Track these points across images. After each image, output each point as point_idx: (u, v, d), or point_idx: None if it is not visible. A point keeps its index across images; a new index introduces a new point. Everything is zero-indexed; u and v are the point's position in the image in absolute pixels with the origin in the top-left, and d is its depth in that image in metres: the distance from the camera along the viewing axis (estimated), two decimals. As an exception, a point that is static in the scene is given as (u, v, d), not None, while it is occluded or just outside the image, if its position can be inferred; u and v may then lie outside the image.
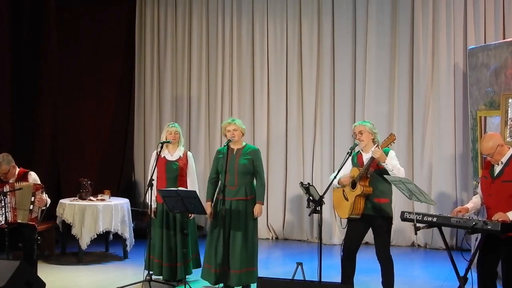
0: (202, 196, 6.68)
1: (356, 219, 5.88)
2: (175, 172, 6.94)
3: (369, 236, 6.13)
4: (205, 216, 9.34)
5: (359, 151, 6.06)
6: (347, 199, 5.93)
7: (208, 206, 6.63)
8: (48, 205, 6.90)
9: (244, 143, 6.68)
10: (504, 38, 8.30)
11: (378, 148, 5.79)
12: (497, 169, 5.38)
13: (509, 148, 5.42)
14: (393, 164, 5.80)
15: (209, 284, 6.61)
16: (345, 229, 6.03)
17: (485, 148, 5.35)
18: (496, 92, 7.35)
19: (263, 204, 6.54)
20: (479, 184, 5.68)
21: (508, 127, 7.00)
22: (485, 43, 8.42)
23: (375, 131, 6.03)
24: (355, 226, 5.95)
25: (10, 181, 6.71)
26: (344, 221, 6.03)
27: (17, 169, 6.81)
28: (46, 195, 6.85)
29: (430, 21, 8.99)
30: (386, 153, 5.85)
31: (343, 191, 6.00)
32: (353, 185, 5.88)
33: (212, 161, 6.87)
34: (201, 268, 6.98)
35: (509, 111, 7.02)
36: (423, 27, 9.01)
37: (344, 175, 5.97)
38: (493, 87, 7.41)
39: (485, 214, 5.53)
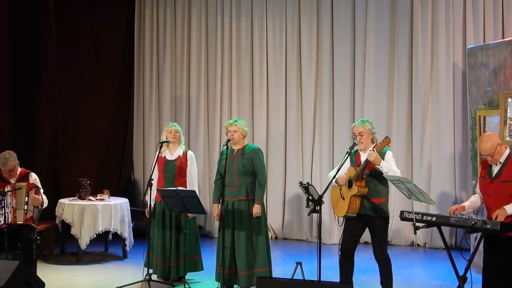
0: (202, 196, 6.68)
1: (353, 217, 5.89)
2: (172, 171, 6.90)
3: (369, 236, 6.13)
4: (205, 216, 9.41)
5: (357, 150, 6.05)
6: (343, 198, 5.94)
7: (215, 208, 6.61)
8: (45, 205, 6.88)
9: (245, 143, 6.66)
10: (503, 38, 8.30)
11: (374, 150, 5.79)
12: (495, 169, 5.33)
13: (507, 148, 5.38)
14: (389, 166, 5.77)
15: (216, 285, 6.56)
16: (342, 228, 6.03)
17: (485, 148, 5.28)
18: (495, 92, 7.35)
19: (261, 204, 6.51)
20: (478, 183, 5.67)
21: (507, 126, 7.00)
22: (484, 42, 8.41)
23: (374, 131, 6.01)
24: (352, 225, 5.96)
25: (12, 181, 6.71)
26: (341, 219, 6.03)
27: (19, 169, 6.81)
28: (44, 195, 6.84)
29: (429, 21, 8.98)
30: (384, 154, 5.85)
31: (340, 190, 6.00)
32: (350, 185, 5.89)
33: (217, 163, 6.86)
34: (200, 271, 7.00)
35: (508, 111, 7.01)
36: (422, 27, 9.00)
37: (340, 175, 5.96)
38: (492, 86, 7.41)
39: (485, 214, 5.53)
